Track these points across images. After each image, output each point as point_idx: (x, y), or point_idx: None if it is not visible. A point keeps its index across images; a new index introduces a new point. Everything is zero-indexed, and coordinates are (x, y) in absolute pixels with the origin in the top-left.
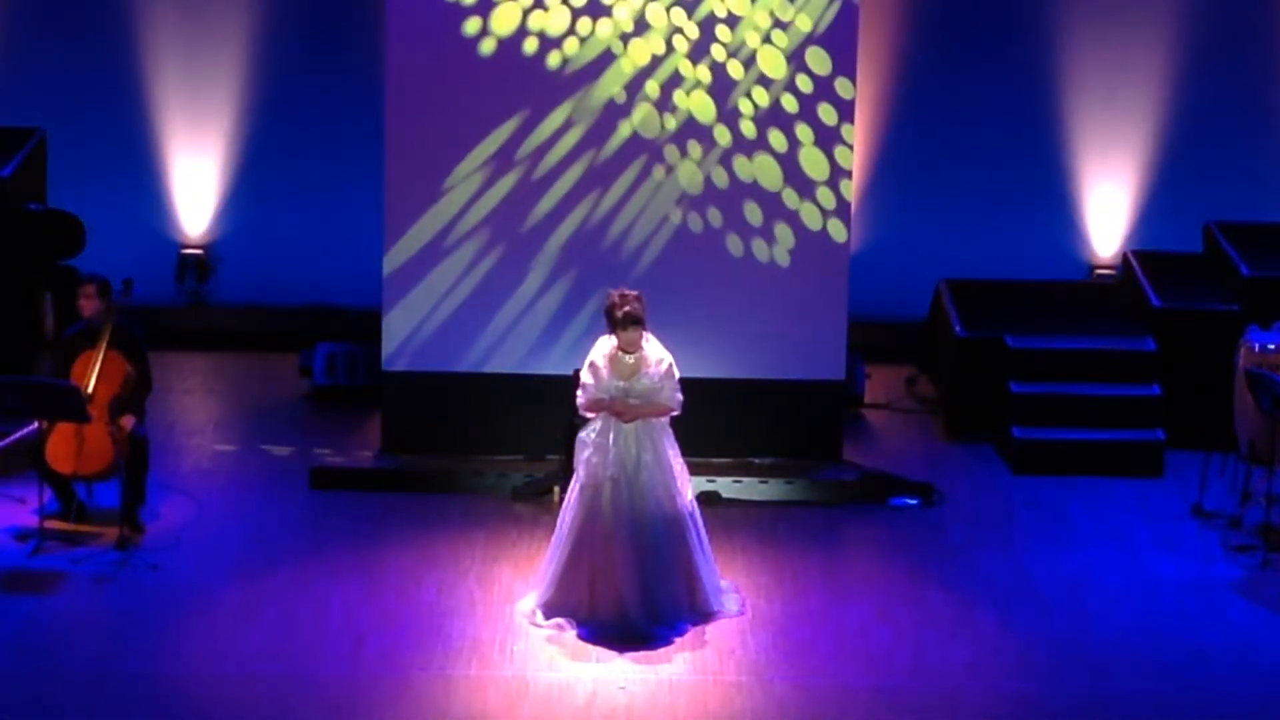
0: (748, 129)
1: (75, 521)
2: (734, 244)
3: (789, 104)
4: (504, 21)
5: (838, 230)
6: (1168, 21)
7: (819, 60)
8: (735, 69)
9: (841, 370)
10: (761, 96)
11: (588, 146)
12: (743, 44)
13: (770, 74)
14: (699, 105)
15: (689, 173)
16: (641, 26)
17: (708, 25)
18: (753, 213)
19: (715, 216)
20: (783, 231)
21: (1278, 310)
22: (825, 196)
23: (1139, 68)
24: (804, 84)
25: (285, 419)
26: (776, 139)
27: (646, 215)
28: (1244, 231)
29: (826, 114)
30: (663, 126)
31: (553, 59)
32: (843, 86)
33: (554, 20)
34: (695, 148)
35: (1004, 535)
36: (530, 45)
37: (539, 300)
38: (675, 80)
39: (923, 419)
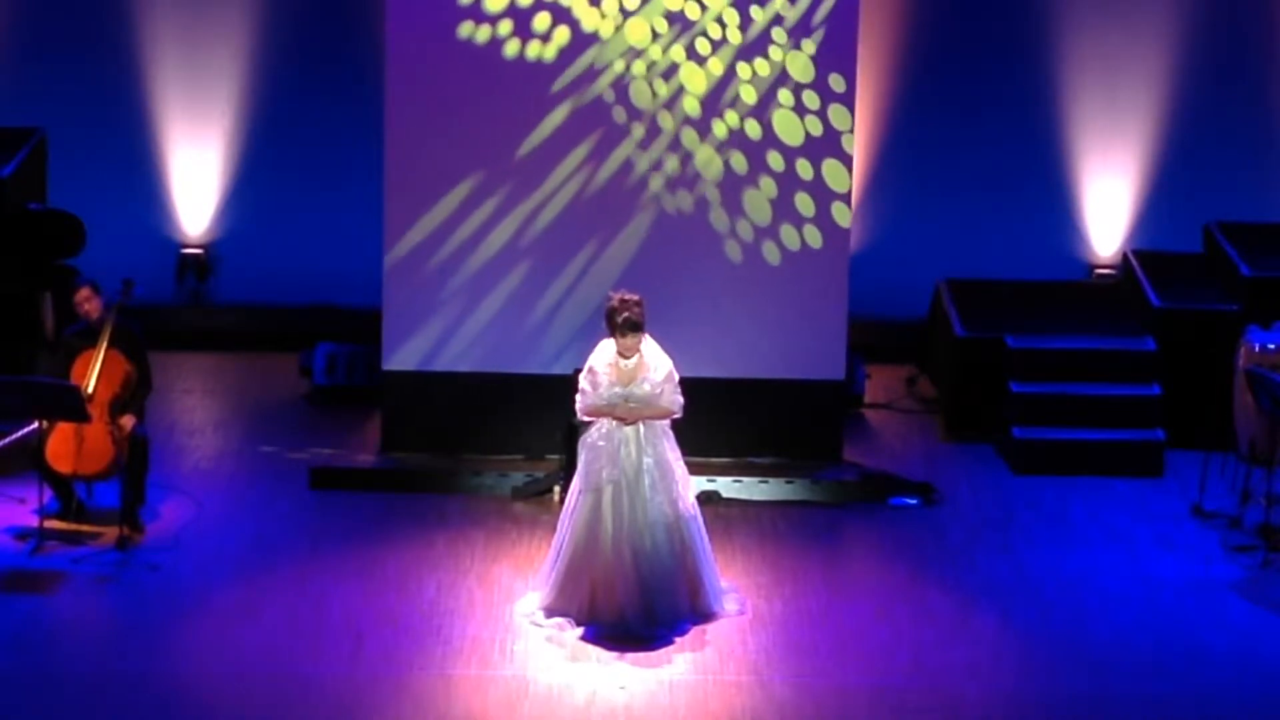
0: (748, 128)
1: (75, 521)
2: (734, 244)
3: (788, 102)
4: (504, 20)
5: (838, 230)
6: (1168, 22)
7: (819, 58)
8: (742, 70)
9: (841, 370)
10: (757, 97)
11: (588, 145)
12: (743, 42)
13: (770, 73)
14: (698, 103)
15: (690, 172)
16: (639, 22)
17: (708, 21)
18: (753, 212)
19: (716, 217)
20: (783, 231)
21: (1278, 310)
22: (825, 196)
23: (1139, 67)
24: (803, 83)
25: (285, 419)
26: (777, 139)
27: (647, 215)
28: (1244, 231)
29: (826, 113)
30: (664, 124)
31: (554, 58)
32: (842, 85)
33: (555, 20)
34: (696, 146)
35: (1004, 535)
36: (531, 44)
37: (539, 300)
38: (675, 78)
39: (923, 419)
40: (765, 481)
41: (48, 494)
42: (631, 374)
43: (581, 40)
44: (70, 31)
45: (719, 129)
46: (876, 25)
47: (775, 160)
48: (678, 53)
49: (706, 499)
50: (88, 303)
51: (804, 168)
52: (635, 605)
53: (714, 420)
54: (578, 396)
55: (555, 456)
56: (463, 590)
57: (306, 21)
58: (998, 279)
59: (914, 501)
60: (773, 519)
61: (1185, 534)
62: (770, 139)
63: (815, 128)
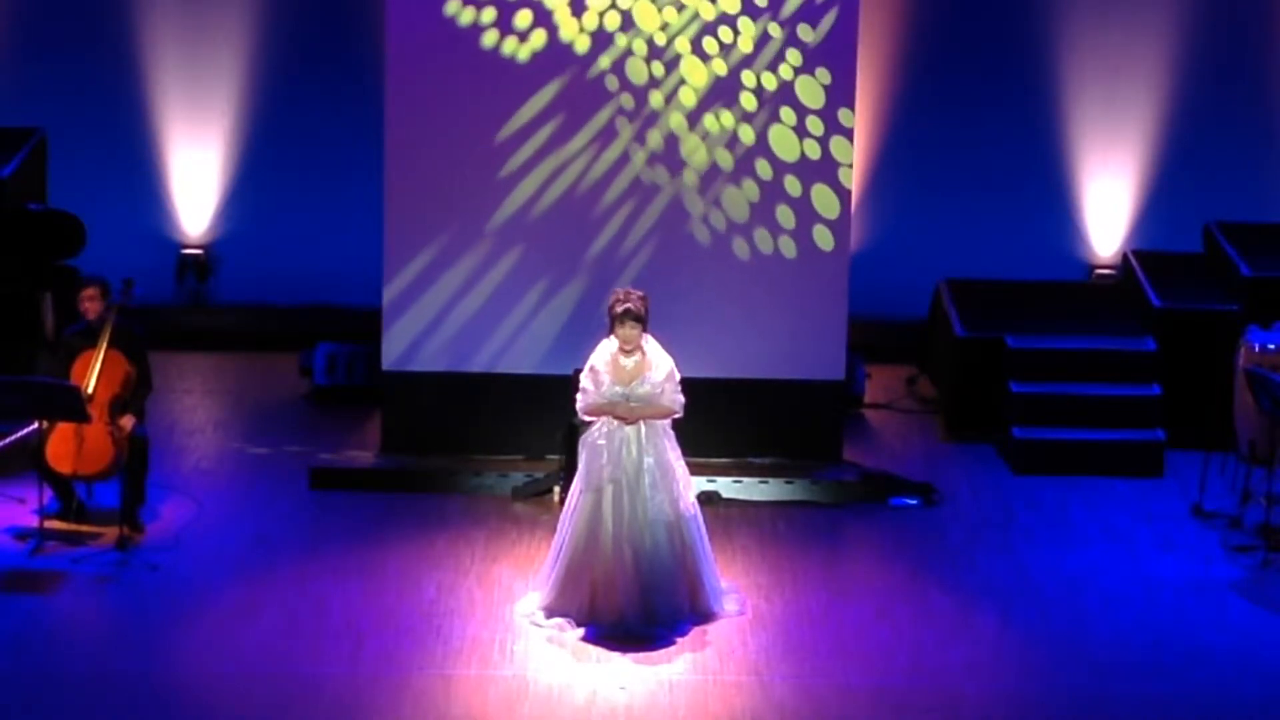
0: (746, 131)
1: (75, 521)
2: (734, 244)
3: (787, 109)
4: (504, 20)
5: (837, 230)
6: (1168, 22)
7: (819, 61)
8: (745, 73)
9: (841, 370)
10: (756, 101)
11: (588, 145)
12: (742, 42)
13: (770, 75)
14: (698, 105)
15: (690, 173)
16: (641, 21)
17: (707, 22)
18: (752, 213)
19: (716, 217)
20: (783, 231)
21: (1278, 310)
22: (825, 196)
23: (1139, 68)
24: (803, 84)
25: (285, 419)
26: (777, 140)
27: (648, 216)
28: (1244, 231)
29: (827, 114)
30: (665, 126)
31: (555, 58)
32: (843, 86)
33: (555, 18)
34: (696, 148)
35: (1004, 535)
36: (530, 45)
37: (539, 300)
38: (675, 76)
39: (923, 419)
40: (765, 481)
41: (48, 494)
42: (632, 374)
43: (583, 38)
44: (70, 31)
45: (721, 133)
46: (876, 25)
47: (775, 161)
48: (681, 48)
49: (706, 499)
50: (90, 301)
51: (804, 169)
52: (635, 605)
53: (714, 420)
54: (579, 395)
55: (555, 456)
56: (463, 590)
57: (306, 21)
58: (998, 279)
59: (914, 501)
60: (773, 519)
61: (1185, 534)
62: (771, 141)
63: (816, 130)
